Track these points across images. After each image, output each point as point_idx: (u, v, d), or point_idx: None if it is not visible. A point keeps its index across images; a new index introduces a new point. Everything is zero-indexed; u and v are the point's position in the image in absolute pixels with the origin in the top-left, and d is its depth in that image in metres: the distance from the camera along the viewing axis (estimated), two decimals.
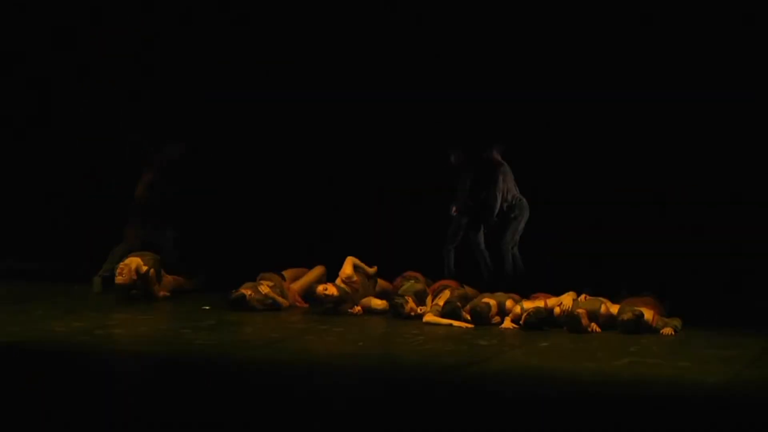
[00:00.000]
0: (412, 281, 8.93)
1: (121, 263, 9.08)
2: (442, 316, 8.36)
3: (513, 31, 11.03)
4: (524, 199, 10.34)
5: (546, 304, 8.38)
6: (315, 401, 5.70)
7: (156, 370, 6.46)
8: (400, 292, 8.78)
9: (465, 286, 8.89)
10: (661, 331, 8.15)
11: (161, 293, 9.25)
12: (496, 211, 10.19)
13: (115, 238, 9.86)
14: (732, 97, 10.36)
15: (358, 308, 8.77)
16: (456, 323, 8.28)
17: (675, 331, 8.17)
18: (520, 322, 8.25)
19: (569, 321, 8.17)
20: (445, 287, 8.73)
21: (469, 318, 8.37)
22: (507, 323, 8.33)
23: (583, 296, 8.47)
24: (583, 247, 10.49)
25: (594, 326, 8.20)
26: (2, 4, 12.14)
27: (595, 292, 8.55)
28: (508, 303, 8.44)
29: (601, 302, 8.33)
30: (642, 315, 8.16)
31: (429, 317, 8.42)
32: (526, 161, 10.54)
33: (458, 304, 8.42)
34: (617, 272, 9.80)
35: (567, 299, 8.36)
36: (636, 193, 10.75)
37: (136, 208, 9.97)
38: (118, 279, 8.97)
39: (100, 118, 11.87)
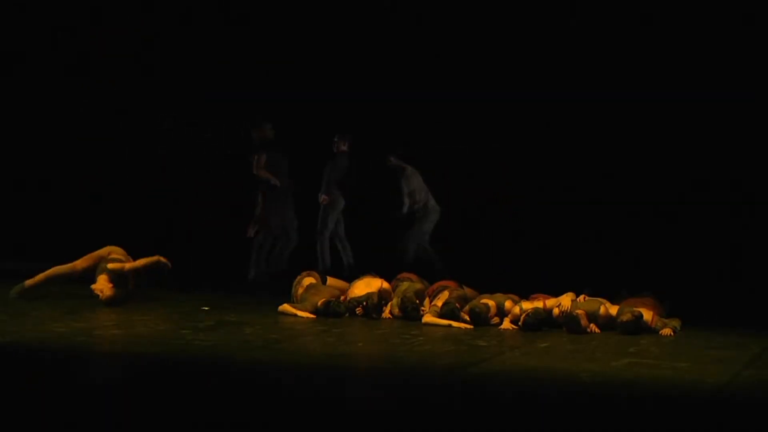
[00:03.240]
0: (408, 282, 8.92)
1: (96, 289, 8.65)
2: (441, 316, 8.36)
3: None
4: (431, 202, 10.88)
5: (545, 304, 8.37)
6: (314, 402, 5.69)
7: (154, 370, 6.45)
8: (400, 293, 8.76)
9: (464, 286, 8.88)
10: (660, 332, 8.15)
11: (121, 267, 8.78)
12: (405, 210, 10.85)
13: (104, 239, 9.72)
14: (727, 96, 10.36)
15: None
16: (455, 324, 8.27)
17: (674, 331, 8.17)
18: (519, 323, 8.25)
19: (568, 322, 8.17)
20: (443, 288, 8.72)
21: (468, 319, 8.36)
22: (506, 324, 8.32)
23: (582, 297, 8.47)
24: (583, 247, 10.49)
25: (593, 327, 8.20)
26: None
27: (594, 293, 8.54)
28: (507, 304, 8.44)
29: (601, 303, 8.32)
30: (641, 316, 8.16)
31: (428, 318, 8.41)
32: (524, 160, 10.55)
33: (457, 304, 8.41)
34: (616, 273, 9.80)
35: (566, 300, 8.35)
36: (634, 193, 10.75)
37: (276, 193, 9.87)
38: (107, 298, 8.67)
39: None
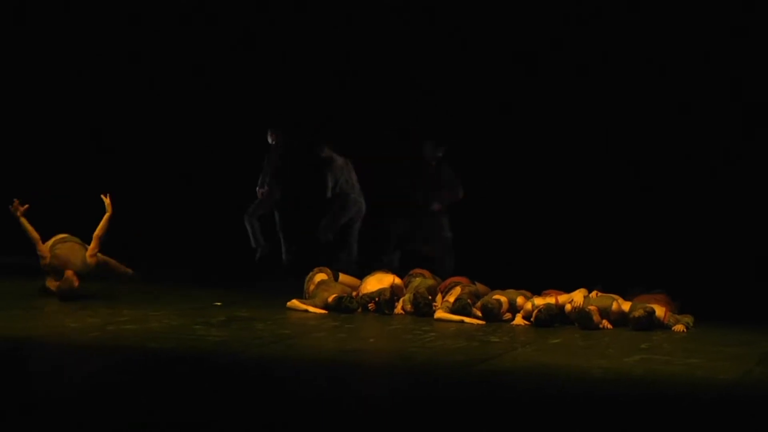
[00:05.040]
0: (420, 278, 8.92)
1: (61, 281, 8.56)
2: (453, 312, 8.36)
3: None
4: (353, 196, 10.96)
5: (557, 300, 8.36)
6: (325, 398, 5.70)
7: (167, 365, 6.47)
8: (412, 288, 8.76)
9: (476, 282, 8.88)
10: (672, 328, 8.13)
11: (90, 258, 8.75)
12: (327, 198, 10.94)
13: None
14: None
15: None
16: (467, 320, 8.28)
17: (687, 328, 8.15)
18: (531, 319, 8.24)
19: (580, 318, 8.16)
20: (455, 284, 8.72)
21: (480, 315, 8.36)
22: (518, 320, 8.32)
23: (594, 293, 8.45)
24: (595, 243, 10.47)
25: (605, 323, 8.18)
26: None
27: (606, 289, 8.53)
28: (519, 300, 8.43)
29: (613, 299, 8.31)
30: (653, 312, 8.14)
31: (440, 314, 8.42)
32: (534, 154, 10.53)
33: (469, 300, 8.41)
34: (628, 269, 9.78)
35: (578, 296, 8.35)
36: (646, 190, 10.72)
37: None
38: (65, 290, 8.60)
39: None
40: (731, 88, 10.44)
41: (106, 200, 8.87)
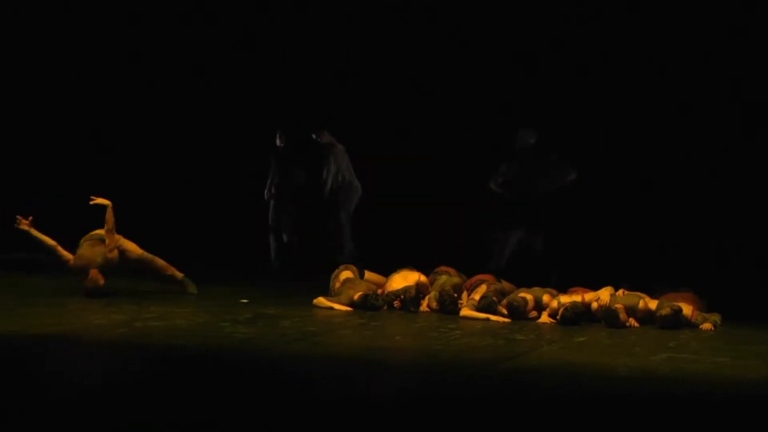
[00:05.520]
0: (445, 275, 8.91)
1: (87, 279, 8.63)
2: (479, 310, 8.35)
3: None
4: (355, 182, 10.90)
5: (583, 298, 8.33)
6: (351, 396, 5.71)
7: (193, 362, 6.50)
8: (437, 286, 8.75)
9: (502, 280, 8.86)
10: (700, 327, 8.08)
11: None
12: (327, 189, 10.88)
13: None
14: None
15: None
16: (493, 318, 8.26)
17: (714, 326, 8.10)
18: (557, 317, 8.22)
19: (607, 316, 8.13)
20: (481, 282, 8.71)
21: (505, 312, 8.34)
22: (544, 318, 8.30)
23: (621, 291, 8.42)
24: (622, 241, 10.42)
25: (632, 321, 8.14)
26: None
27: (633, 287, 8.49)
28: (545, 298, 8.41)
29: (640, 297, 8.27)
30: (681, 310, 8.09)
31: (465, 311, 8.41)
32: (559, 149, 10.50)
33: (495, 298, 8.40)
34: (655, 267, 9.72)
35: (605, 294, 8.31)
36: (671, 185, 10.66)
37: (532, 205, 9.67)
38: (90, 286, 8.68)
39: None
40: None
41: (97, 200, 8.86)
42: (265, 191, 11.56)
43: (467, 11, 11.26)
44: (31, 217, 8.70)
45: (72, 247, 8.86)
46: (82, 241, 8.89)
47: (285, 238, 11.50)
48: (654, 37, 10.63)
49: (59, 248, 8.76)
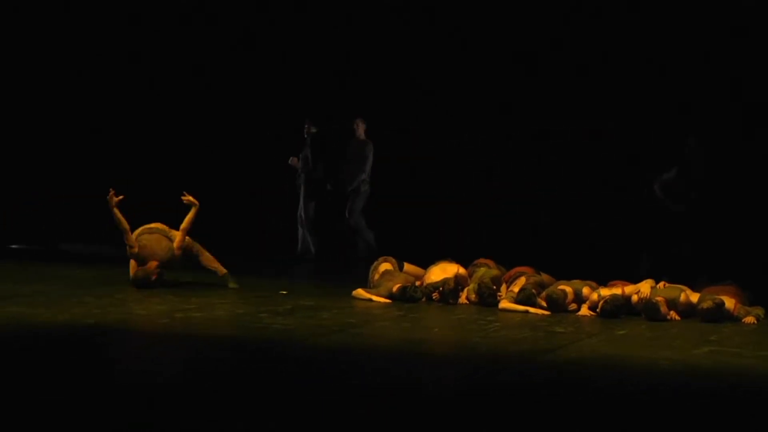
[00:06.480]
0: (484, 268, 8.89)
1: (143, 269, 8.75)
2: (518, 302, 8.33)
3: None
4: (368, 181, 11.07)
5: (623, 291, 8.28)
6: (389, 387, 5.72)
7: (233, 353, 6.55)
8: (476, 278, 8.74)
9: (541, 272, 8.83)
10: (743, 320, 8.00)
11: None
12: (354, 185, 10.97)
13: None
14: None
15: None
16: (532, 310, 8.24)
17: (757, 320, 8.01)
18: (597, 310, 8.17)
19: (647, 309, 8.07)
20: (520, 274, 8.68)
21: (544, 305, 8.31)
22: (584, 310, 8.26)
23: (661, 284, 8.35)
24: (662, 234, 10.34)
25: (673, 314, 8.08)
26: None
27: (674, 280, 8.42)
28: (585, 290, 8.37)
29: (681, 290, 8.20)
30: (723, 303, 8.02)
31: (504, 304, 8.39)
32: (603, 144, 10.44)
33: (534, 290, 8.37)
34: (698, 260, 9.64)
35: (645, 287, 8.25)
36: (716, 181, 10.56)
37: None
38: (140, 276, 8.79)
39: None
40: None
41: (188, 197, 9.00)
42: (298, 176, 11.57)
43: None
44: (122, 196, 8.83)
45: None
46: (139, 231, 8.98)
47: (303, 229, 11.54)
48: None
49: (129, 234, 8.90)
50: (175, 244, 8.91)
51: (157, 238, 8.93)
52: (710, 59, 10.38)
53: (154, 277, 8.81)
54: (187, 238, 9.04)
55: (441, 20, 11.36)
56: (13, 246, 11.62)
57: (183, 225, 8.97)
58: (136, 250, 8.82)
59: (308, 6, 11.86)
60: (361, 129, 11.31)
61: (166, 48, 12.18)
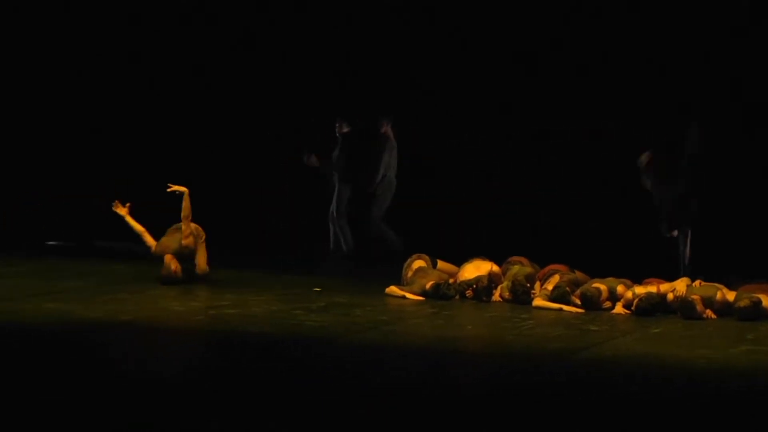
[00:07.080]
0: (518, 265, 8.87)
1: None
2: (552, 300, 8.29)
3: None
4: (393, 179, 10.80)
5: (659, 289, 8.21)
6: (423, 384, 5.72)
7: (266, 349, 6.58)
8: (510, 276, 8.71)
9: (575, 270, 8.78)
10: None
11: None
12: (375, 183, 10.77)
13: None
14: None
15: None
16: (566, 308, 8.20)
17: None
18: (632, 308, 8.12)
19: (683, 307, 8.00)
20: (554, 272, 8.64)
21: (579, 303, 8.27)
22: (618, 308, 8.20)
23: (697, 282, 8.28)
24: (696, 232, 10.26)
25: (709, 313, 8.01)
26: None
27: (709, 279, 8.34)
28: (620, 288, 8.31)
29: (717, 288, 8.13)
30: (760, 302, 7.94)
31: (538, 302, 8.36)
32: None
33: (568, 288, 8.33)
34: (732, 259, 9.54)
35: (681, 285, 8.19)
36: (744, 180, 10.47)
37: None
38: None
39: None
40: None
41: (174, 187, 9.11)
42: (330, 173, 11.54)
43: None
44: (129, 204, 9.04)
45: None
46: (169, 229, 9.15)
47: (334, 227, 11.49)
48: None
49: (146, 234, 9.07)
50: (183, 235, 9.04)
51: (170, 233, 9.10)
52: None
53: (178, 274, 8.91)
54: (192, 224, 9.15)
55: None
56: (50, 243, 11.72)
57: (183, 213, 9.08)
58: (154, 248, 9.03)
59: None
60: (385, 128, 11.23)
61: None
